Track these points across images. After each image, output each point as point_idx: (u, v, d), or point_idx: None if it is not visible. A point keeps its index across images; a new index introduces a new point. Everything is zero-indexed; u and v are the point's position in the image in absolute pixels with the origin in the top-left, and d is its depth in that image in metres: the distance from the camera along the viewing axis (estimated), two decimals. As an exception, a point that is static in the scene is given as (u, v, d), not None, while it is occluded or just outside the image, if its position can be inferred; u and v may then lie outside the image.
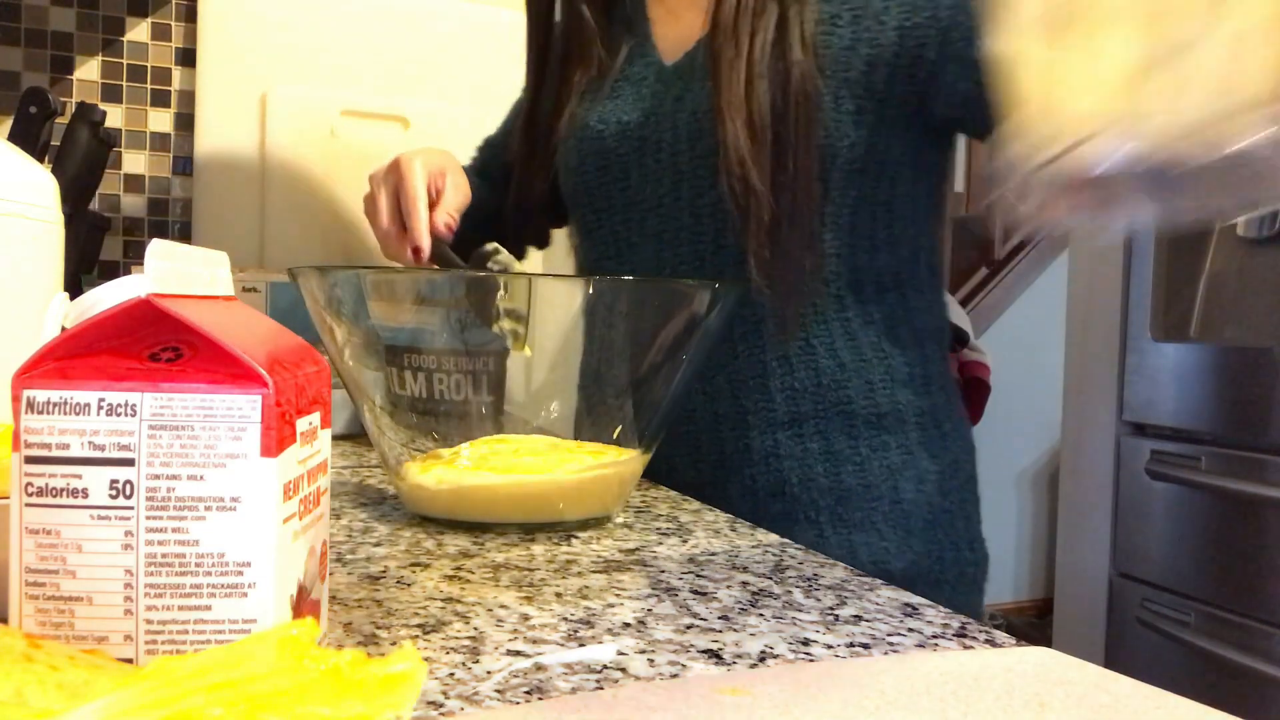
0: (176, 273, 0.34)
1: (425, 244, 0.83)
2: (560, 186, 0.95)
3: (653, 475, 0.78)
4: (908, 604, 0.48)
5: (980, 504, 0.88)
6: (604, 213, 0.90)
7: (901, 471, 0.82)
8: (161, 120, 1.35)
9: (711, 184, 0.81)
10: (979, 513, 0.87)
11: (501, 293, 0.61)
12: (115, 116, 1.32)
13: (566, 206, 0.96)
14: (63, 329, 0.59)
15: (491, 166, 1.07)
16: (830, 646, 0.42)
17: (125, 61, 1.33)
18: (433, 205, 0.87)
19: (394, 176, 0.88)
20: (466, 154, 1.36)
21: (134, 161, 1.34)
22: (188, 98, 1.34)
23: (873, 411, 0.81)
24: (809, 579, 0.52)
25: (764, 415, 0.82)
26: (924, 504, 0.82)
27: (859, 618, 0.46)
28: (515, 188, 0.99)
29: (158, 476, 0.32)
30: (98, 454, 0.32)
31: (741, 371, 0.83)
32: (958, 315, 1.01)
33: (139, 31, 1.34)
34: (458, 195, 0.89)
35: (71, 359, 0.32)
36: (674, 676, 0.38)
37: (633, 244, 0.88)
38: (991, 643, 0.43)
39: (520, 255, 1.01)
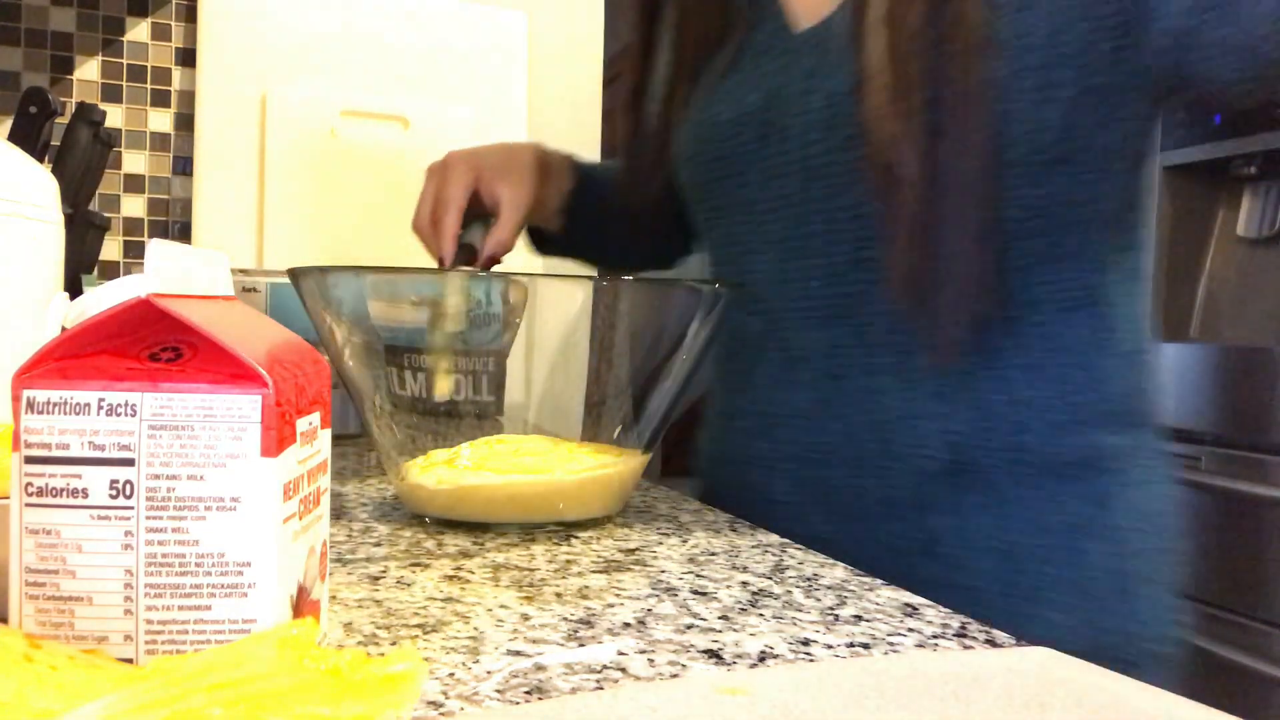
0: (176, 273, 0.34)
1: (447, 257, 0.80)
2: (678, 183, 0.82)
3: (784, 527, 0.66)
4: (908, 604, 0.48)
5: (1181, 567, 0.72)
6: (720, 212, 0.77)
7: (1086, 528, 0.66)
8: (161, 120, 1.35)
9: (850, 181, 0.67)
10: (1178, 577, 0.72)
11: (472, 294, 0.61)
12: (115, 116, 1.32)
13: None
14: (63, 329, 0.59)
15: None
16: (830, 646, 0.42)
17: (125, 61, 1.33)
18: (491, 215, 0.82)
19: (437, 178, 0.83)
20: (466, 154, 1.36)
21: (134, 161, 1.34)
22: (188, 98, 1.34)
23: (1057, 458, 0.67)
24: (809, 579, 0.52)
25: (913, 463, 0.68)
26: (1114, 569, 0.67)
27: (859, 618, 0.46)
28: (622, 188, 0.87)
29: (158, 476, 0.32)
30: (98, 454, 0.32)
31: (888, 410, 0.68)
32: None
33: (139, 31, 1.34)
34: (515, 213, 0.81)
35: (71, 359, 0.32)
36: (674, 676, 0.38)
37: (752, 251, 0.74)
38: (991, 643, 0.43)
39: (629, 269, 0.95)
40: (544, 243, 0.96)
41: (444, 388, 0.61)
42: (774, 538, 0.62)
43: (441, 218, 0.81)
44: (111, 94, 1.32)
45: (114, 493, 0.32)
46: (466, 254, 0.83)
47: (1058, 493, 0.66)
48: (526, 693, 0.36)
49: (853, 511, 0.71)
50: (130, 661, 0.32)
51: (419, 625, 0.43)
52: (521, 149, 0.87)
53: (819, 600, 0.49)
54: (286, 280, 0.86)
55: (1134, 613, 0.67)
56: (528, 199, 0.83)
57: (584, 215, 0.91)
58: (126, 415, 0.32)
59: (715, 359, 0.81)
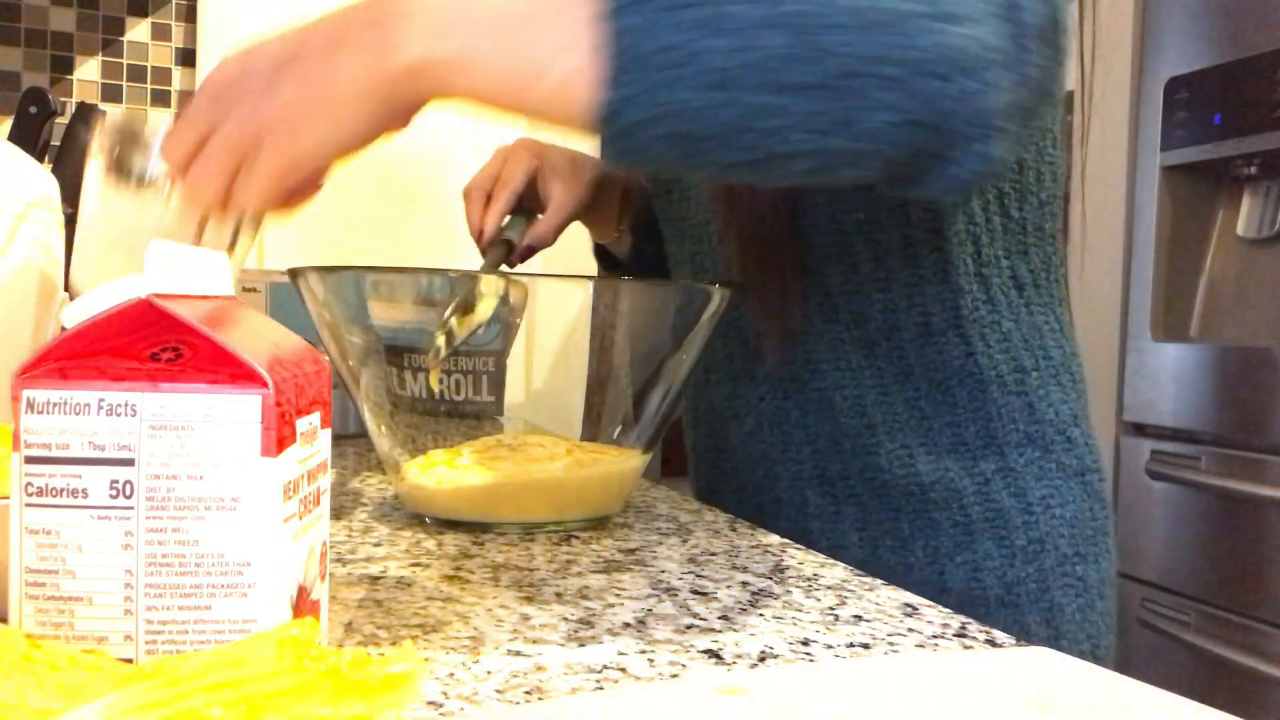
0: (176, 273, 0.34)
1: (487, 232, 0.81)
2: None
3: (708, 501, 0.73)
4: (908, 604, 0.48)
5: (1099, 605, 0.70)
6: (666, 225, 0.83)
7: (951, 556, 0.68)
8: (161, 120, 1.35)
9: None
10: (1084, 612, 0.69)
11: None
12: (115, 116, 1.31)
13: None
14: (63, 329, 0.59)
15: None
16: (830, 646, 0.42)
17: (125, 61, 1.33)
18: (539, 211, 0.83)
19: (503, 156, 0.84)
20: (467, 155, 1.36)
21: (134, 161, 1.33)
22: (188, 98, 1.34)
23: (913, 482, 0.68)
24: (809, 579, 0.52)
25: (791, 466, 0.72)
26: (980, 597, 0.67)
27: (859, 618, 0.46)
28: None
29: (158, 476, 0.32)
30: (98, 454, 0.32)
31: (767, 413, 0.72)
32: None
33: (139, 31, 1.34)
34: (560, 213, 0.82)
35: (71, 359, 0.32)
36: (674, 676, 0.38)
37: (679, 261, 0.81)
38: (991, 643, 0.43)
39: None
40: (613, 265, 0.97)
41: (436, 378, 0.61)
42: (774, 538, 0.62)
43: (496, 194, 0.82)
44: (111, 94, 1.32)
45: (114, 493, 0.32)
46: (505, 248, 0.83)
47: (922, 520, 0.68)
48: (526, 693, 0.36)
49: (752, 506, 0.75)
50: (130, 661, 0.32)
51: (419, 625, 0.43)
52: (587, 158, 0.88)
53: (819, 600, 0.49)
54: (286, 280, 0.86)
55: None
56: (576, 204, 0.84)
57: (650, 241, 0.92)
58: (126, 415, 0.32)
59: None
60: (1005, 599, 0.66)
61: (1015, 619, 0.67)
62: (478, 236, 0.83)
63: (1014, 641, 0.43)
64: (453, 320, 0.60)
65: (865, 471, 0.69)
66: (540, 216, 0.84)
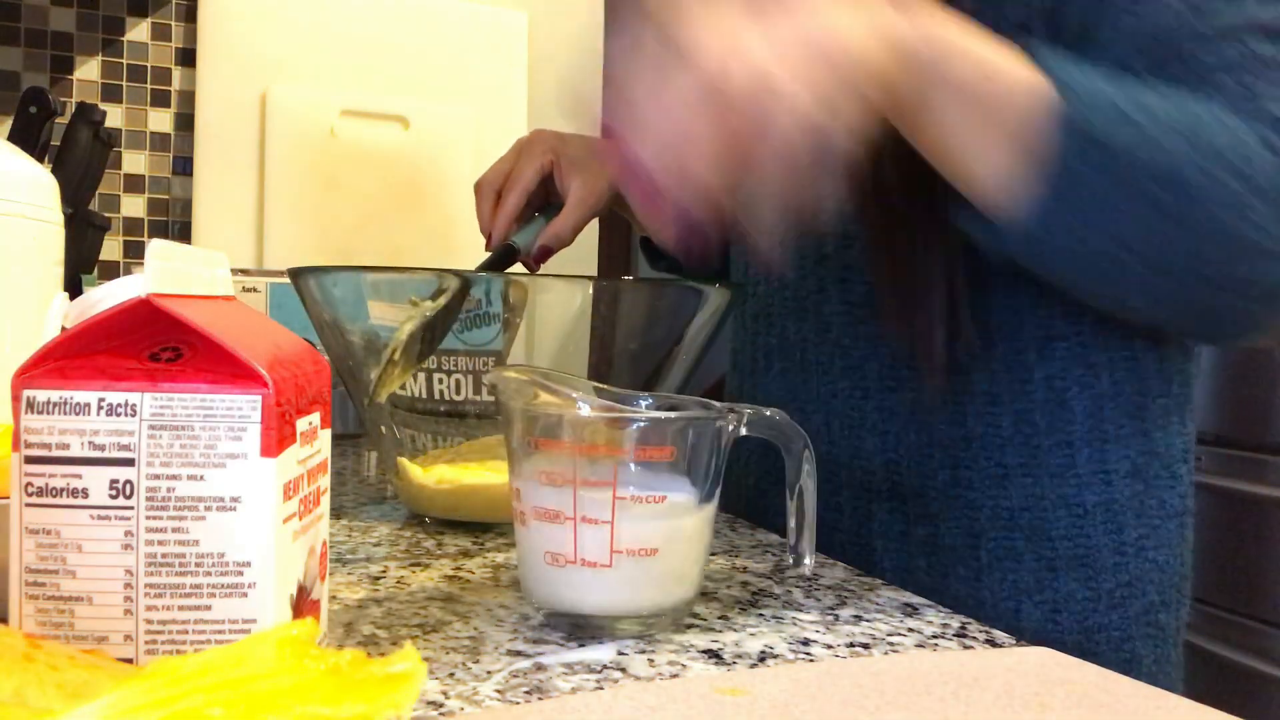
0: (176, 273, 0.34)
1: (496, 235, 0.77)
2: None
3: (754, 502, 0.68)
4: (908, 604, 0.48)
5: (1173, 655, 0.64)
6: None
7: (1030, 594, 0.62)
8: (161, 120, 1.35)
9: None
10: (1160, 664, 0.63)
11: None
12: (115, 116, 1.31)
13: None
14: (63, 329, 0.59)
15: None
16: (830, 646, 0.42)
17: (125, 61, 1.33)
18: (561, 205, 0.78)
19: (515, 152, 0.80)
20: (467, 155, 1.36)
21: (134, 161, 1.34)
22: (188, 98, 1.34)
23: (1002, 507, 0.62)
24: (809, 579, 0.52)
25: (858, 474, 0.66)
26: (1056, 641, 0.60)
27: (859, 618, 0.46)
28: None
29: (158, 476, 0.32)
30: (98, 454, 0.32)
31: (839, 411, 0.66)
32: None
33: (139, 31, 1.34)
34: (578, 210, 0.78)
35: (71, 359, 0.32)
36: (674, 676, 0.38)
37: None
38: (991, 643, 0.43)
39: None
40: (657, 258, 0.89)
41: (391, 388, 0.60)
42: (774, 538, 0.62)
43: (506, 194, 0.78)
44: (111, 94, 1.32)
45: (114, 493, 0.32)
46: (504, 253, 0.79)
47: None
48: (526, 693, 0.36)
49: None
50: (130, 661, 0.32)
51: (419, 625, 0.43)
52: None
53: (819, 600, 0.49)
54: (286, 280, 0.85)
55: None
56: (597, 198, 0.79)
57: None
58: (126, 415, 0.32)
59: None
60: (1084, 645, 0.61)
61: None
62: (487, 237, 0.80)
63: (1014, 641, 0.43)
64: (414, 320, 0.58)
65: (951, 490, 0.62)
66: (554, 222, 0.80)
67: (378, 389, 0.61)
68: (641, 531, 0.41)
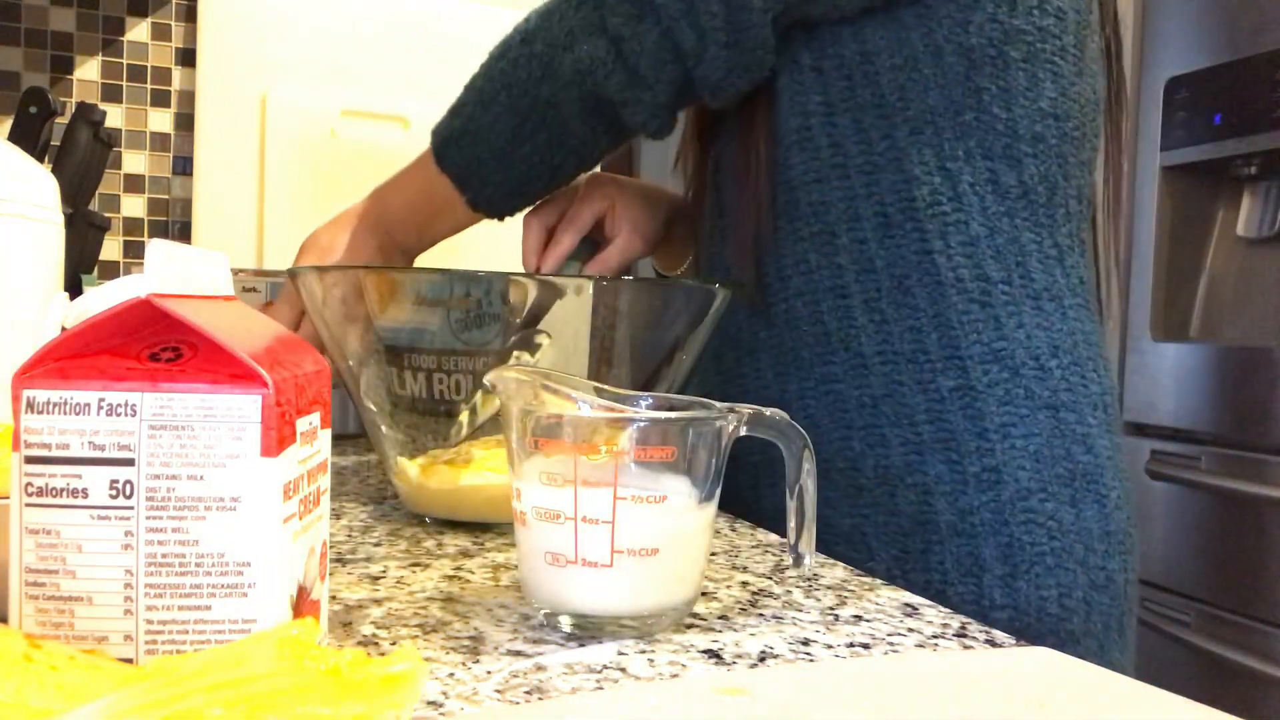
0: (176, 273, 0.34)
1: (543, 269, 0.79)
2: None
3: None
4: (908, 604, 0.48)
5: (1081, 555, 0.66)
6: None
7: (902, 478, 0.66)
8: (161, 120, 1.35)
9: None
10: (1057, 556, 0.65)
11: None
12: (115, 116, 1.32)
13: None
14: (63, 329, 0.59)
15: None
16: (830, 646, 0.42)
17: (125, 61, 1.33)
18: (605, 244, 0.81)
19: (575, 193, 0.81)
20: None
21: (134, 161, 1.34)
22: (188, 98, 1.34)
23: (866, 395, 0.68)
24: (809, 579, 0.52)
25: (753, 389, 0.73)
26: (932, 522, 0.66)
27: (859, 618, 0.46)
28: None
29: (158, 476, 0.32)
30: (98, 454, 0.32)
31: (744, 341, 0.74)
32: None
33: (139, 31, 1.34)
34: (619, 255, 0.81)
35: (71, 359, 0.32)
36: (674, 676, 0.38)
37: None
38: (991, 643, 0.43)
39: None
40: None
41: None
42: (774, 538, 0.62)
43: (561, 233, 0.80)
44: (111, 94, 1.32)
45: (114, 493, 0.32)
46: None
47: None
48: (526, 693, 0.36)
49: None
50: (130, 661, 0.32)
51: (419, 625, 0.43)
52: (662, 195, 0.86)
53: (819, 600, 0.49)
54: (286, 280, 0.85)
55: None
56: (641, 248, 0.83)
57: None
58: (126, 415, 0.32)
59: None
60: (959, 527, 0.64)
61: (970, 550, 0.64)
62: (530, 270, 0.80)
63: (1014, 641, 0.43)
64: (476, 399, 0.61)
65: (820, 386, 0.68)
66: (601, 252, 0.81)
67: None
68: (642, 531, 0.41)
